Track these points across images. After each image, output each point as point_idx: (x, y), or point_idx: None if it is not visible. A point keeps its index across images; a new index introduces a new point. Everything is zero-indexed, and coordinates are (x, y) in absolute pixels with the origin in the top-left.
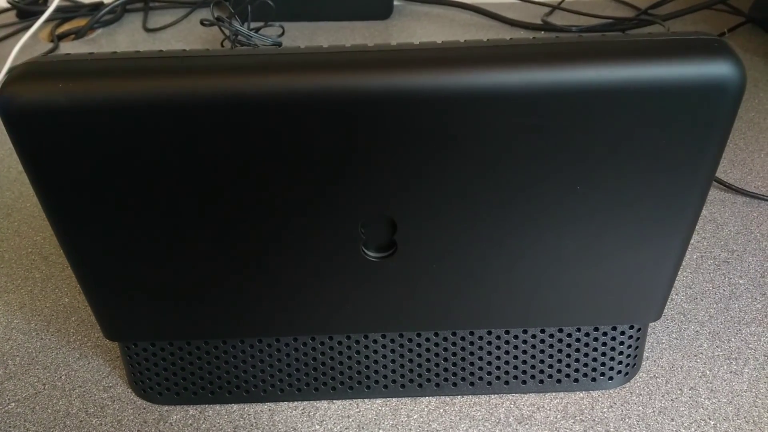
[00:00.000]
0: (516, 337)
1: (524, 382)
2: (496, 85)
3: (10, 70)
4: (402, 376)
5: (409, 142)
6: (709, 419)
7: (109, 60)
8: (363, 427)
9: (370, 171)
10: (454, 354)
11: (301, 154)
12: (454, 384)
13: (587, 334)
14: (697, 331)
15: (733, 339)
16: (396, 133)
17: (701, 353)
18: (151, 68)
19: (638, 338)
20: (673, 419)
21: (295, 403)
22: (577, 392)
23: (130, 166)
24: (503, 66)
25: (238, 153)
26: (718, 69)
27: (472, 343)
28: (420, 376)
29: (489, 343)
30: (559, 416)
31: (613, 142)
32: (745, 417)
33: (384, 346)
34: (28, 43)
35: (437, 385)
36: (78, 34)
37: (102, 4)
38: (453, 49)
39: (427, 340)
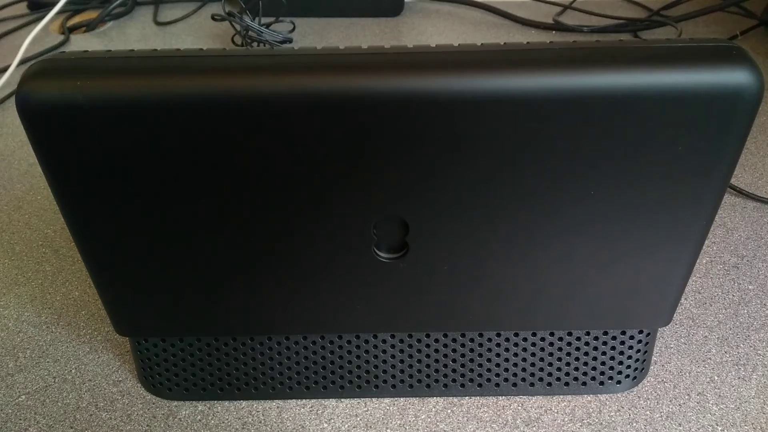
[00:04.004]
0: (525, 339)
1: (532, 384)
2: (512, 89)
3: (29, 66)
4: (410, 376)
5: (424, 144)
6: (717, 425)
7: (127, 58)
8: (371, 426)
9: (384, 172)
10: (463, 355)
11: (317, 155)
12: (462, 385)
13: (596, 338)
14: (706, 337)
15: (741, 345)
16: (412, 136)
17: (709, 359)
18: (169, 67)
19: (647, 343)
20: (680, 424)
21: (304, 401)
22: (585, 395)
23: (145, 163)
24: (520, 70)
25: (253, 152)
26: (736, 77)
27: (481, 345)
28: (428, 376)
29: (498, 345)
30: (566, 419)
31: (628, 148)
32: (752, 423)
33: (393, 347)
34: (39, 35)
35: (445, 385)
36: (89, 26)
37: None
38: (470, 52)
39: (436, 341)
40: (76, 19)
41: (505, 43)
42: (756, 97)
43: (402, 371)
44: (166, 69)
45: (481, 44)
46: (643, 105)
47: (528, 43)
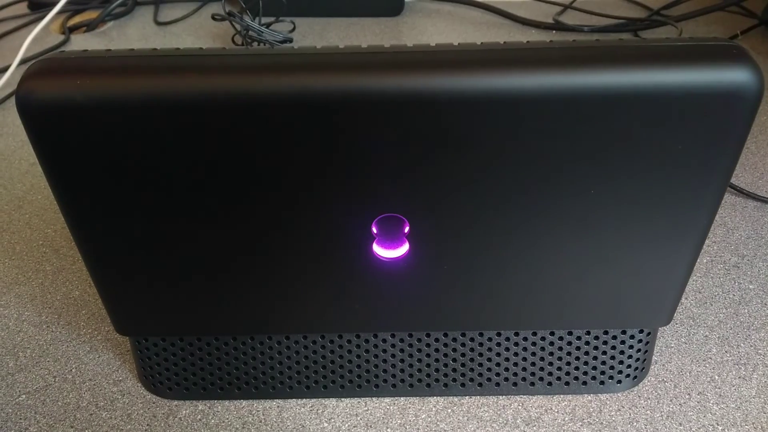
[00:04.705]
0: (525, 339)
1: (532, 383)
2: (512, 88)
3: (29, 66)
4: (410, 375)
5: (424, 143)
6: (717, 424)
7: (127, 57)
8: (371, 426)
9: (383, 171)
10: (463, 355)
11: (316, 154)
12: (463, 384)
13: (597, 338)
14: (706, 336)
15: (742, 344)
16: (412, 135)
17: (710, 358)
18: (168, 66)
19: (647, 342)
20: (681, 424)
21: (304, 400)
22: (586, 395)
23: (144, 162)
24: (520, 69)
25: (253, 151)
26: (736, 76)
27: (481, 344)
28: (428, 376)
29: (498, 344)
30: (567, 419)
31: (628, 147)
32: (753, 423)
33: (393, 346)
34: (39, 35)
35: (445, 385)
36: (89, 26)
37: None
38: (470, 51)
39: (437, 340)
40: (77, 19)
41: (504, 43)
42: (756, 96)
43: (402, 371)
44: (166, 68)
45: (481, 43)
46: (643, 104)
47: (528, 42)
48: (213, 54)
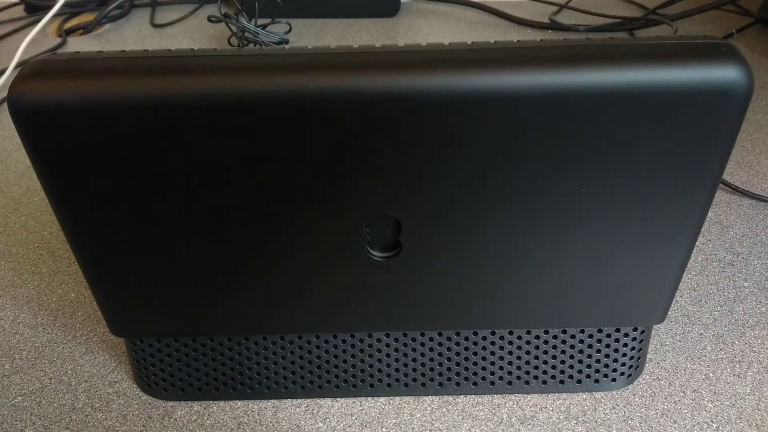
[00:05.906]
0: (519, 337)
1: (527, 382)
2: (502, 87)
3: (20, 68)
4: (405, 375)
5: (414, 143)
6: (712, 422)
7: (118, 59)
8: (366, 425)
9: (374, 172)
10: (458, 354)
11: (308, 154)
12: (457, 383)
13: (591, 336)
14: (701, 334)
15: (737, 342)
16: (402, 134)
17: (705, 356)
18: (160, 67)
19: (642, 340)
20: (675, 421)
21: (299, 400)
22: (580, 393)
23: (137, 163)
24: (509, 68)
25: (245, 152)
26: (725, 73)
27: (475, 343)
28: (423, 375)
29: (492, 343)
30: (561, 417)
31: (619, 145)
32: (747, 420)
33: (388, 345)
34: (36, 38)
35: (440, 384)
36: (86, 29)
37: None
38: (459, 51)
39: (431, 339)
40: (73, 22)
41: (495, 42)
42: (746, 94)
43: (397, 370)
44: (157, 69)
45: (472, 43)
46: (633, 102)
47: (518, 41)
48: (204, 55)
